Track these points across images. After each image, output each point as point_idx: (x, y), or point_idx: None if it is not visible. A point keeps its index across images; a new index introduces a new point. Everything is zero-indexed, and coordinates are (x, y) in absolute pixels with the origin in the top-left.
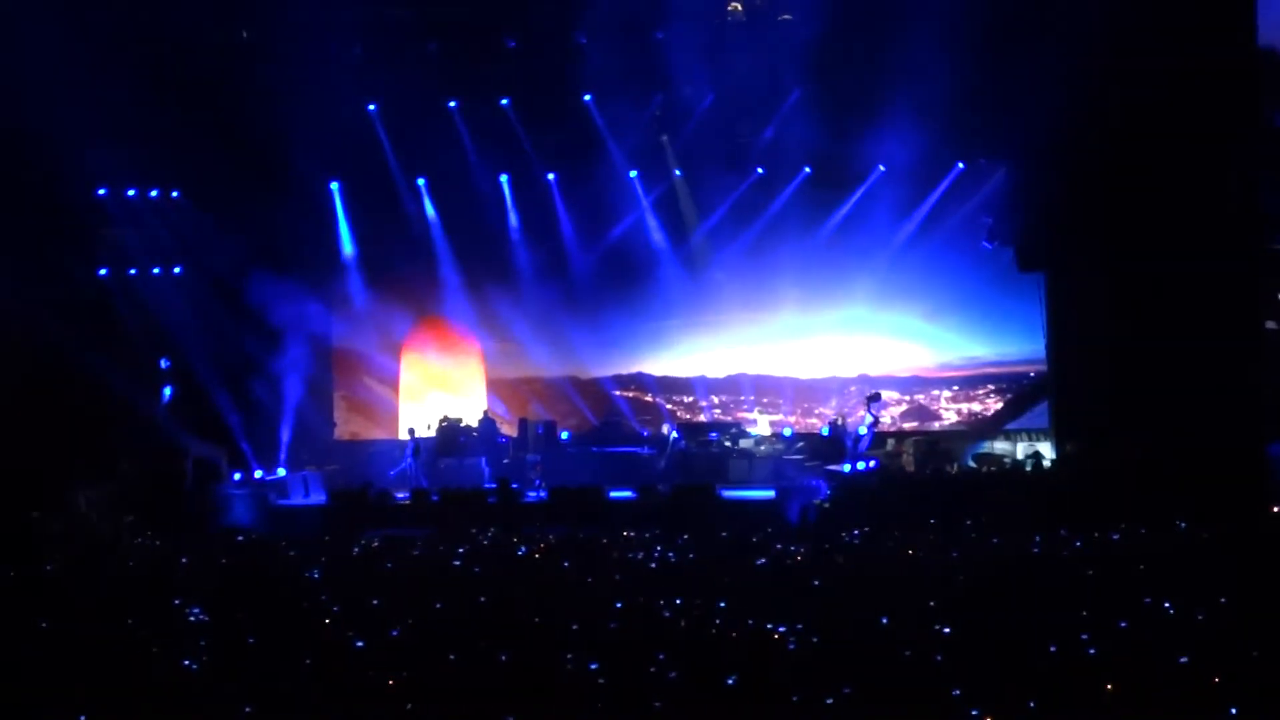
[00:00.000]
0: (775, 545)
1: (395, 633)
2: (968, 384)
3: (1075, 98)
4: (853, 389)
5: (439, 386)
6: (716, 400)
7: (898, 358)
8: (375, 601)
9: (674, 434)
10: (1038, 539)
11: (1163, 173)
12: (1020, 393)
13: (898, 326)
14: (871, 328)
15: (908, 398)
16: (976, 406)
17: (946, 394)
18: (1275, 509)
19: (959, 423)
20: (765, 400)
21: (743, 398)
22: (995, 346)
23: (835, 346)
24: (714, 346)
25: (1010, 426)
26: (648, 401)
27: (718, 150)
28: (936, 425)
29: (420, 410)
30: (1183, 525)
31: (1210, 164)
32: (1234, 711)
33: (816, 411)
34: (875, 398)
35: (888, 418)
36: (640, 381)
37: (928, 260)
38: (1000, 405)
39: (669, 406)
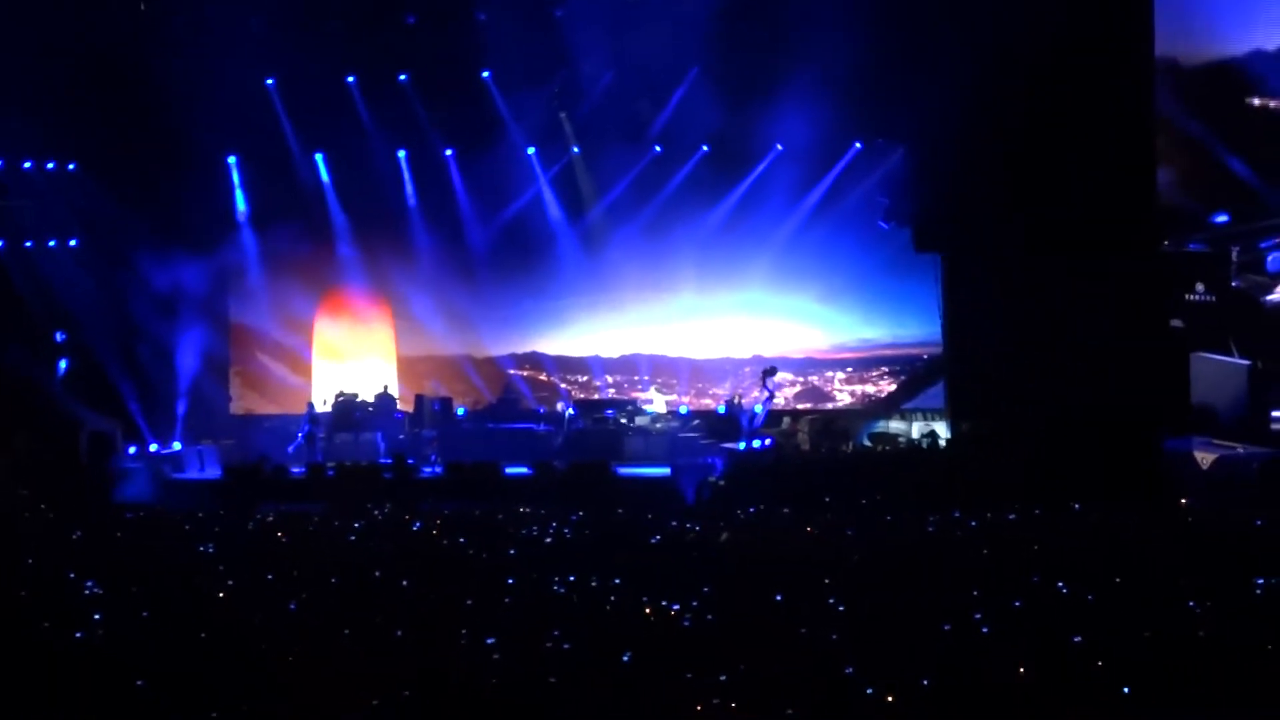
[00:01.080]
0: (670, 523)
1: (292, 607)
2: (862, 365)
3: (973, 79)
4: (747, 370)
5: (350, 355)
6: (611, 380)
7: (792, 339)
8: (270, 576)
9: (570, 411)
10: (932, 519)
11: (1060, 155)
12: (915, 373)
13: (792, 309)
14: (767, 310)
15: (801, 379)
16: (870, 388)
17: (840, 375)
18: (1182, 500)
19: (853, 404)
20: (660, 381)
21: (637, 378)
22: (889, 329)
23: (731, 328)
24: (610, 326)
25: (906, 406)
26: (543, 380)
27: (616, 128)
28: (830, 406)
29: (333, 378)
30: (1076, 507)
31: (1108, 148)
32: (1126, 690)
33: (711, 392)
34: (771, 371)
35: (781, 399)
36: (535, 360)
37: (823, 242)
38: (894, 387)
39: (564, 385)
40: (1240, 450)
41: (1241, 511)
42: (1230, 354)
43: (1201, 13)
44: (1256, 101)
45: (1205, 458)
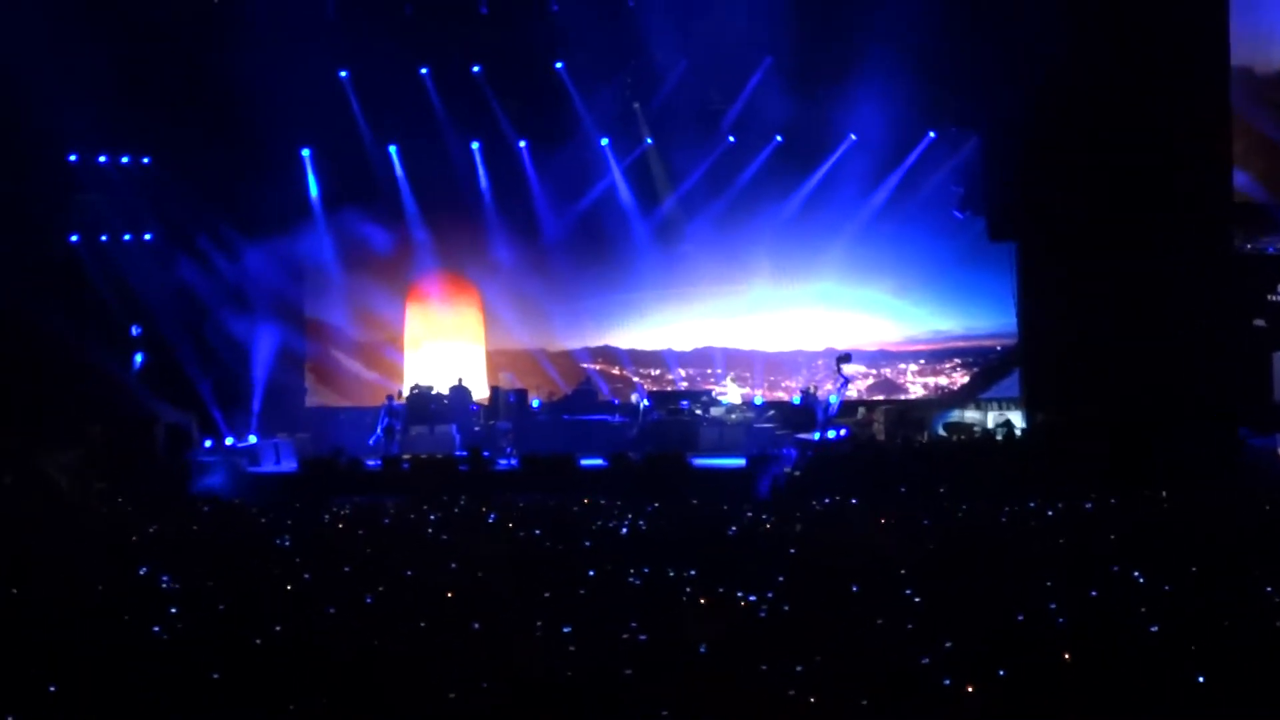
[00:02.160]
0: (746, 514)
1: (369, 600)
2: (934, 358)
3: (1048, 67)
4: (820, 363)
5: (440, 335)
6: (685, 373)
7: (865, 331)
8: (346, 569)
9: (645, 402)
10: (1007, 508)
11: (1135, 147)
12: (989, 365)
13: (865, 300)
14: (840, 302)
15: (874, 371)
16: (943, 380)
17: (913, 367)
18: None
19: (926, 396)
20: (734, 373)
21: (710, 370)
22: (962, 320)
23: (804, 320)
24: (684, 319)
25: (981, 396)
26: (616, 374)
27: (689, 118)
28: (903, 398)
29: (425, 364)
30: (1151, 495)
31: (1183, 141)
32: (1201, 680)
33: (783, 384)
34: (846, 358)
35: (854, 391)
36: (609, 354)
37: (896, 234)
38: (967, 379)
39: (638, 379)
40: None
41: None
42: None
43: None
44: None
45: None
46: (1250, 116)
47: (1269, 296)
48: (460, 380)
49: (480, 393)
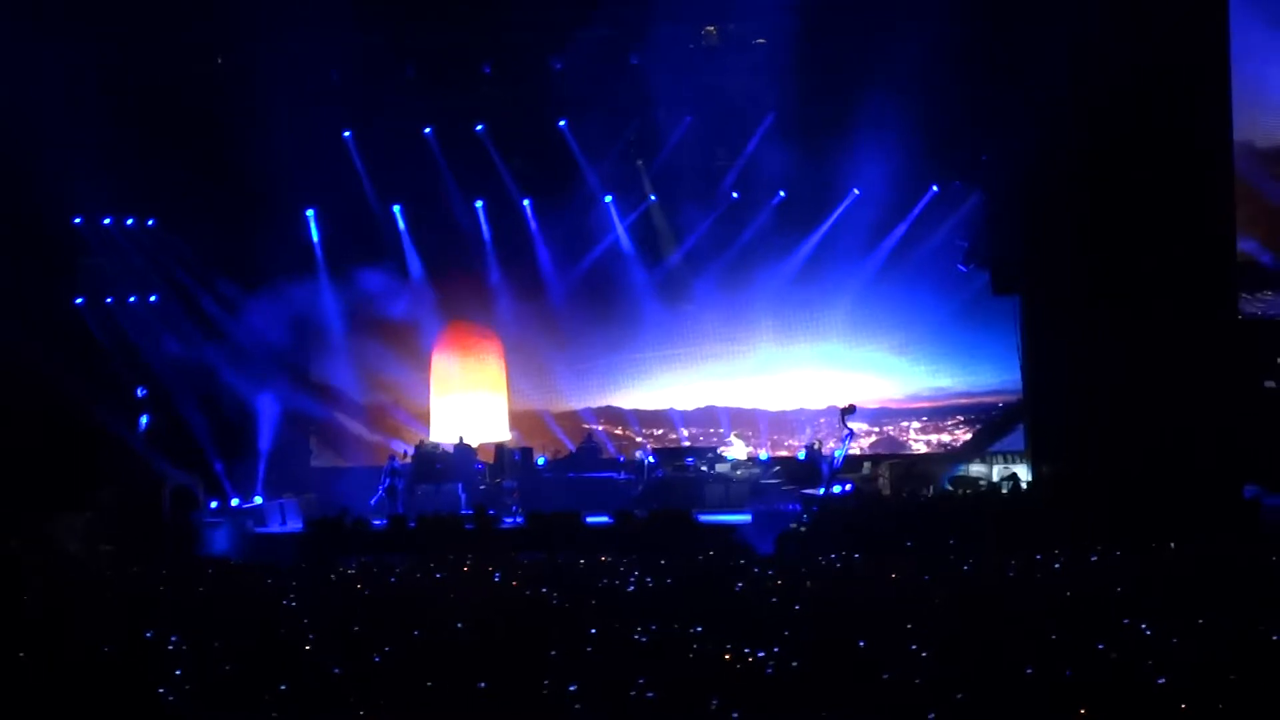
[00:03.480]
0: (752, 569)
1: (376, 659)
2: (936, 414)
3: (1048, 120)
4: (822, 421)
5: (464, 387)
6: (688, 433)
7: (866, 389)
8: (353, 628)
9: (650, 459)
10: (1014, 561)
11: (1139, 197)
12: (993, 419)
13: (867, 360)
14: (842, 362)
15: (877, 429)
16: (945, 437)
17: (915, 425)
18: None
19: (929, 452)
20: (736, 431)
21: (713, 430)
22: (963, 378)
23: (807, 379)
24: (687, 379)
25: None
26: (619, 434)
27: (693, 175)
28: (907, 453)
29: (449, 411)
30: (1157, 548)
31: (1187, 195)
32: None
33: (786, 443)
34: (850, 410)
35: (857, 449)
36: (613, 414)
37: (898, 293)
38: (968, 436)
39: (643, 435)
40: None
41: None
42: None
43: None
44: None
45: None
46: (1255, 184)
47: (1279, 359)
48: (461, 438)
49: (502, 436)
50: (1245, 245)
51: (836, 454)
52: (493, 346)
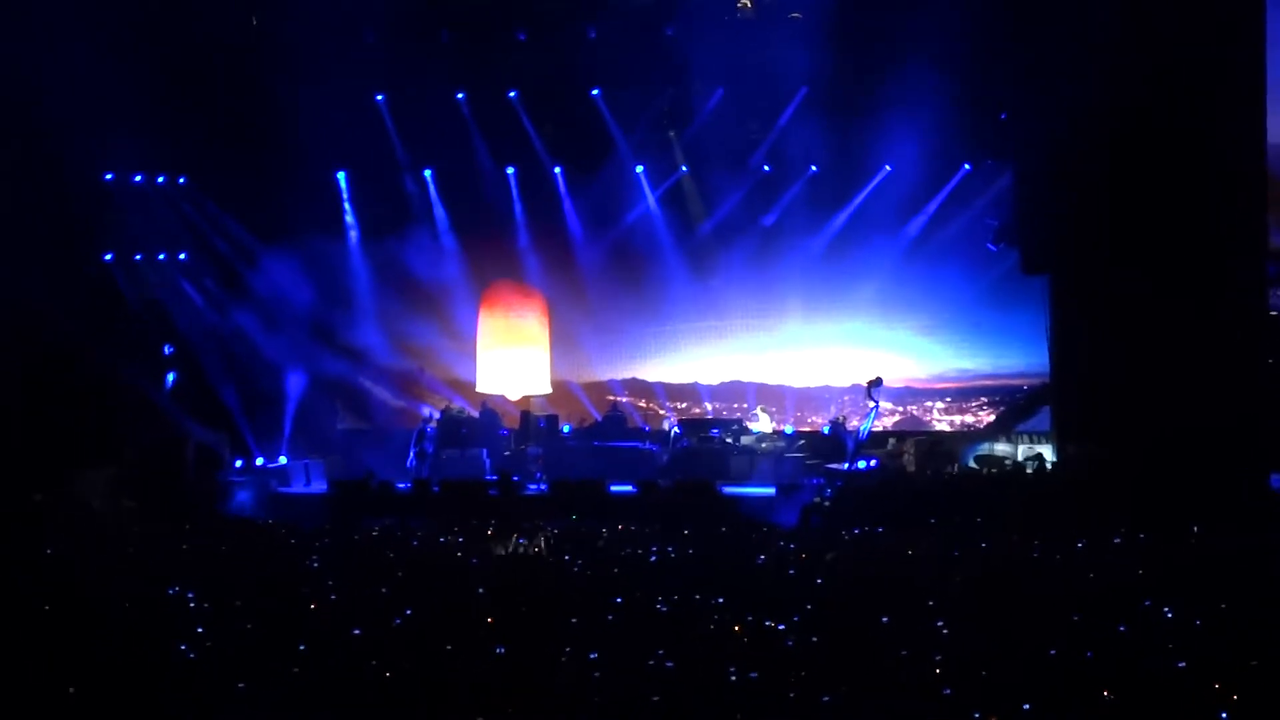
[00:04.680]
0: (775, 543)
1: (397, 622)
2: (961, 396)
3: (1081, 98)
4: (846, 398)
5: (509, 342)
6: (712, 407)
7: (891, 369)
8: (374, 591)
9: (676, 429)
10: (1037, 541)
11: (1171, 180)
12: (1017, 402)
13: (893, 340)
14: (869, 341)
15: (900, 409)
16: (969, 418)
17: (939, 405)
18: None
19: (954, 431)
20: (762, 404)
21: (737, 405)
22: (989, 359)
23: (833, 358)
24: (714, 353)
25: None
26: (643, 406)
27: (725, 147)
28: (932, 431)
29: (495, 367)
30: (1181, 533)
31: (1219, 177)
32: (1224, 717)
33: (810, 419)
34: (877, 382)
35: (880, 426)
36: (639, 385)
37: (926, 272)
38: (992, 418)
39: (669, 407)
40: None
41: None
42: None
43: None
44: None
45: None
46: None
47: None
48: (485, 404)
49: (543, 390)
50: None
51: (862, 428)
52: (537, 304)
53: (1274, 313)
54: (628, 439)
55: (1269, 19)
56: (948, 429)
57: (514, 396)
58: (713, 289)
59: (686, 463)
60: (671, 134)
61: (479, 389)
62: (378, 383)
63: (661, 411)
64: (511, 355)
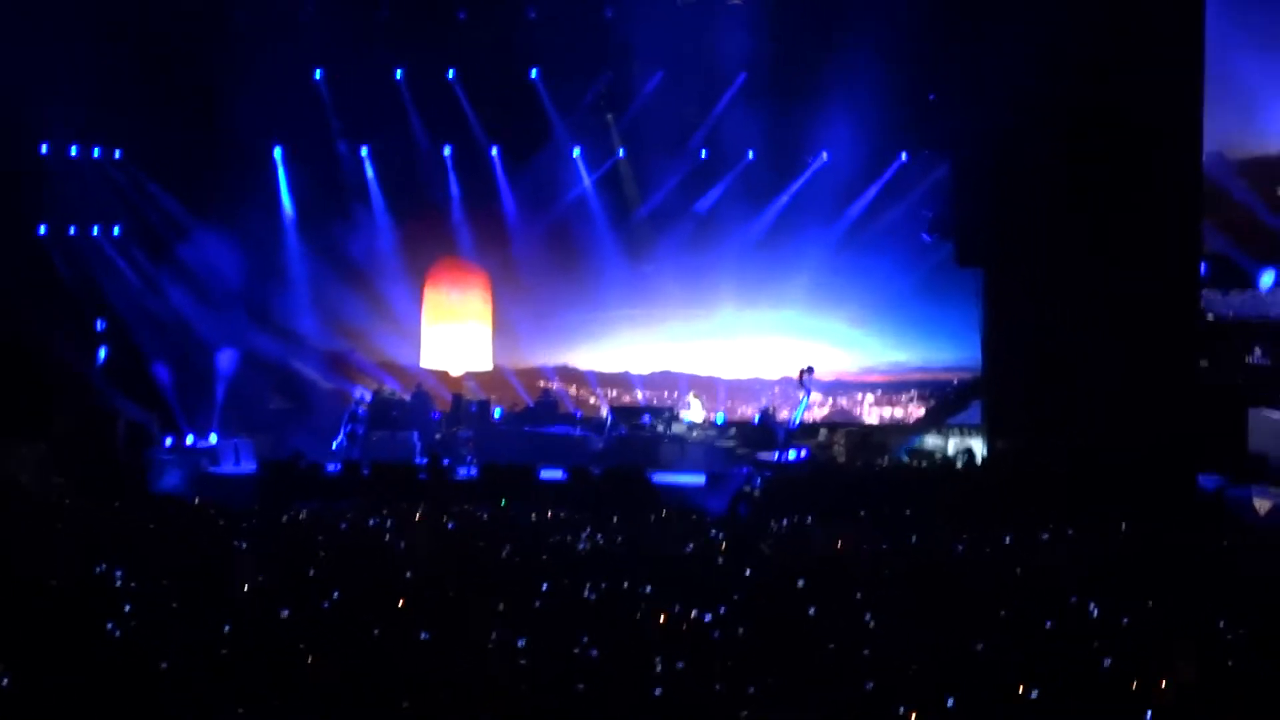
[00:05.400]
0: (704, 532)
1: (324, 605)
2: (891, 389)
3: (1018, 91)
4: (776, 390)
5: (452, 318)
6: (642, 395)
7: (822, 360)
8: (301, 572)
9: (610, 417)
10: (965, 536)
11: (1107, 177)
12: (947, 396)
13: (825, 331)
14: (800, 330)
15: (830, 400)
16: (899, 412)
17: (870, 398)
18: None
19: (885, 424)
20: (693, 393)
21: (667, 394)
22: (919, 352)
23: (765, 348)
24: (647, 341)
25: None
26: (573, 394)
27: (662, 131)
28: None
29: (439, 342)
30: (1109, 529)
31: (1152, 169)
32: (1149, 715)
33: (740, 410)
34: (809, 371)
35: (810, 419)
36: (571, 372)
37: (860, 263)
38: (922, 411)
39: (601, 393)
40: None
41: None
42: None
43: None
44: None
45: (1263, 505)
46: (1228, 189)
47: (1246, 359)
48: (419, 386)
49: (485, 366)
50: (1216, 243)
51: (793, 417)
52: (480, 281)
53: (1207, 315)
54: (559, 425)
55: (1209, 23)
56: (876, 422)
57: (456, 372)
58: (647, 275)
59: (618, 450)
60: (609, 117)
61: (422, 364)
62: (309, 362)
63: (590, 401)
64: (454, 331)
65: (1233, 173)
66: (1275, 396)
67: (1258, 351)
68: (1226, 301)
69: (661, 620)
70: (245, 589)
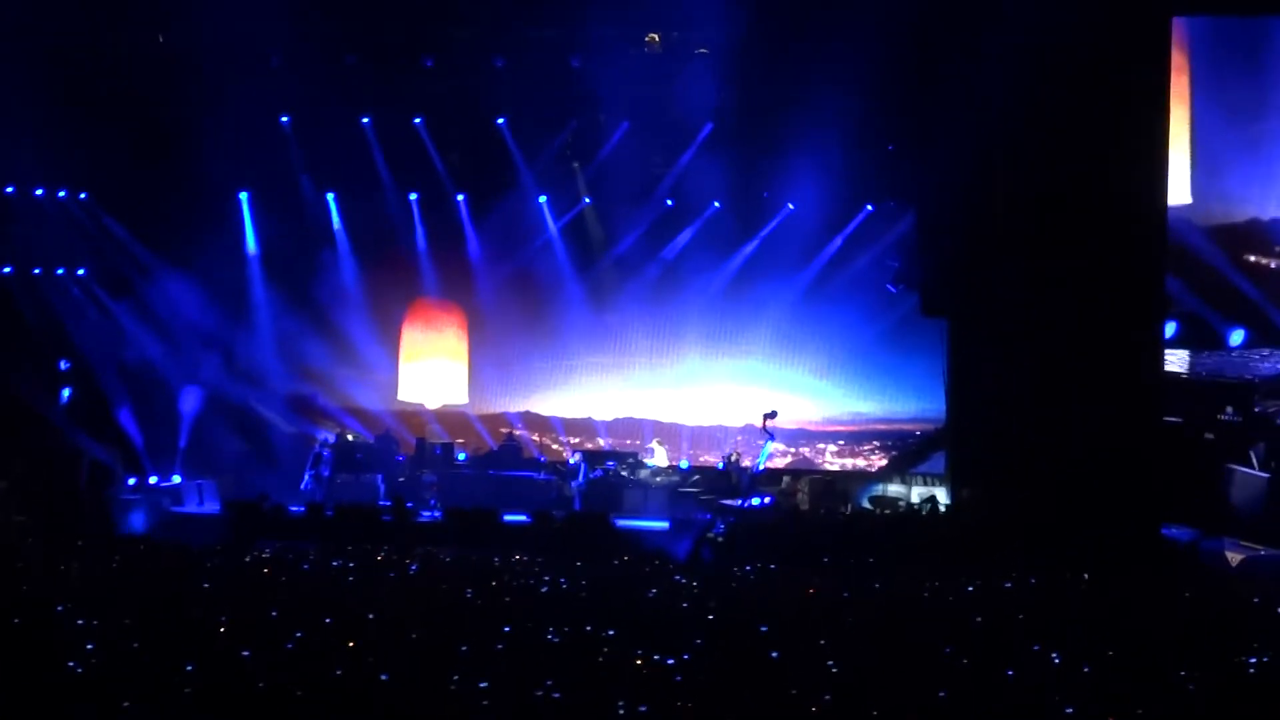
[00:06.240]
0: (667, 577)
1: (287, 646)
2: (853, 439)
3: (982, 143)
4: (739, 438)
5: (430, 354)
6: (605, 443)
7: (785, 409)
8: (264, 613)
9: (582, 464)
10: (928, 583)
11: (1071, 230)
12: (910, 448)
13: (788, 380)
14: (764, 379)
15: (793, 450)
16: (861, 462)
17: (832, 448)
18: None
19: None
20: (658, 440)
21: (630, 441)
22: (883, 403)
23: (728, 395)
24: (610, 388)
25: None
26: (537, 440)
27: (629, 180)
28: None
29: (415, 378)
30: (1071, 578)
31: (1116, 221)
32: None
33: (701, 459)
34: (772, 414)
35: (773, 467)
36: (535, 418)
37: (825, 311)
38: (884, 462)
39: (565, 440)
40: (1263, 551)
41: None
42: (1252, 466)
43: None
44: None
45: (1234, 557)
46: (1199, 251)
47: (1218, 416)
48: (386, 430)
49: (462, 399)
50: (1188, 303)
51: (758, 461)
52: (456, 318)
53: (1180, 374)
54: (523, 468)
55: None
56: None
57: (433, 405)
58: (611, 323)
59: (584, 494)
60: (576, 165)
61: (400, 398)
62: (272, 405)
63: (553, 448)
64: (431, 367)
65: (1203, 237)
66: (1246, 453)
67: (1229, 409)
68: (1199, 360)
69: (624, 663)
70: (208, 629)
